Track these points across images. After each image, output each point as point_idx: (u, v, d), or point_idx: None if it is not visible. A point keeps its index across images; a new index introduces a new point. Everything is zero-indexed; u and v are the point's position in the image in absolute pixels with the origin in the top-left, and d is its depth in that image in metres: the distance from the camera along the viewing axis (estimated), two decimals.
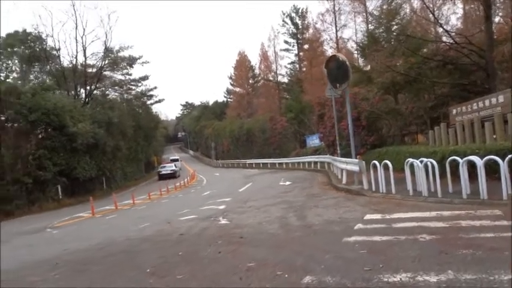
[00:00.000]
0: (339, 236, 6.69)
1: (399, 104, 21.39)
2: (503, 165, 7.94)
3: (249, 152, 51.08)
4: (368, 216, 8.29)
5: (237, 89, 74.72)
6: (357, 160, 13.70)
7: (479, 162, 8.33)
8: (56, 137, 26.63)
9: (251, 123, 53.30)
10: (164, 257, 6.71)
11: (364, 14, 32.35)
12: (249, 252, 6.41)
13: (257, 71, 67.56)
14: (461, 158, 9.07)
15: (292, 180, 21.48)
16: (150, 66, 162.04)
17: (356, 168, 13.48)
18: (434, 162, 9.81)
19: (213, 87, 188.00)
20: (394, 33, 22.81)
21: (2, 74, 34.91)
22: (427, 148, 14.59)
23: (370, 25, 30.79)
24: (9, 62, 37.79)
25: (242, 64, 70.79)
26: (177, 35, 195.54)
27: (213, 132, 69.38)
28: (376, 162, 11.95)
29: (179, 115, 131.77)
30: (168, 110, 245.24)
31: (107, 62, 40.25)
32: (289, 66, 59.78)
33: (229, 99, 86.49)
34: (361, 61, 32.21)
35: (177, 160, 55.85)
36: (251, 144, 51.39)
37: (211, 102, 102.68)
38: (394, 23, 23.97)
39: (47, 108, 25.49)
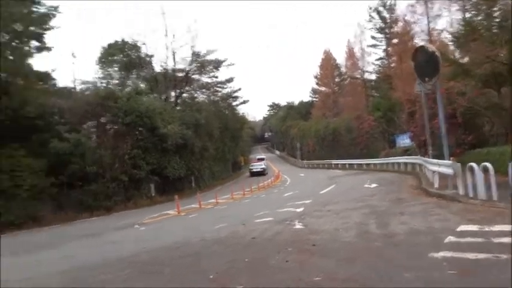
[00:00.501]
0: (424, 250, 5.87)
1: (502, 98, 18.89)
2: None
3: (335, 152, 49.69)
4: (462, 228, 7.23)
5: (323, 88, 73.46)
6: (450, 162, 12.28)
7: None
8: (148, 138, 28.38)
9: (337, 123, 51.86)
10: (231, 262, 6.50)
11: (460, 1, 29.31)
12: (318, 263, 5.91)
13: (343, 69, 65.58)
14: None
15: (378, 182, 20.20)
16: (235, 68, 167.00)
17: (449, 170, 12.08)
18: None
19: (298, 87, 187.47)
20: (496, 20, 20.21)
21: (103, 81, 38.28)
22: None
23: (467, 13, 27.79)
24: (110, 69, 41.35)
25: (327, 63, 69.43)
26: (262, 36, 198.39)
27: (299, 133, 68.97)
28: (473, 164, 10.50)
29: (266, 116, 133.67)
30: (255, 111, 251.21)
31: (194, 66, 42.08)
32: (376, 62, 56.78)
33: (314, 99, 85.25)
34: (457, 53, 29.30)
35: (262, 159, 57.62)
36: (337, 144, 49.98)
37: (296, 102, 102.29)
38: (495, 8, 21.26)
39: (140, 111, 27.28)
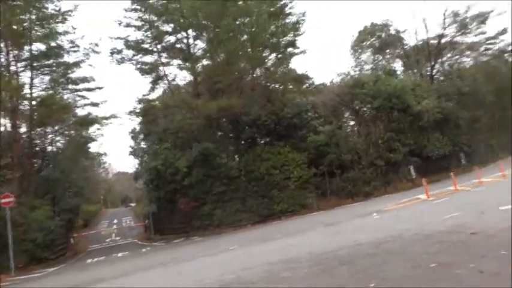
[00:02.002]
0: None
1: None
2: None
3: None
4: None
5: None
6: None
7: None
8: (401, 118, 27.05)
9: None
10: (413, 268, 5.48)
11: None
12: None
13: None
14: None
15: None
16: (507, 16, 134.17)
17: None
18: None
19: None
20: None
21: (356, 69, 39.03)
22: None
23: None
24: (363, 55, 41.75)
25: None
26: None
27: None
28: None
29: None
30: None
31: (454, 28, 36.91)
32: None
33: None
34: None
35: None
36: None
37: None
38: None
39: (387, 92, 26.29)
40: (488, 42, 40.12)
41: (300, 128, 26.62)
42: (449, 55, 39.69)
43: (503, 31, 39.58)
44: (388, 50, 42.04)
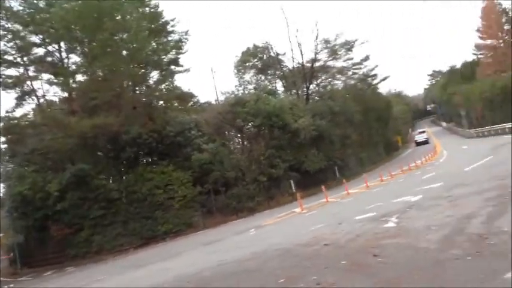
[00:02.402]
0: None
1: None
2: None
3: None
4: None
5: (488, 41, 62.39)
6: None
7: None
8: (280, 135, 28.49)
9: (506, 79, 43.05)
10: (265, 284, 5.60)
11: None
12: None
13: None
14: None
15: None
16: (376, 45, 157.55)
17: None
18: None
19: (456, 47, 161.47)
20: None
21: (240, 88, 40.30)
22: None
23: None
24: (246, 75, 43.35)
25: (491, 11, 58.63)
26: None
27: (461, 99, 60.17)
28: None
29: (427, 87, 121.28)
30: (413, 84, 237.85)
31: (326, 53, 40.54)
32: None
33: (480, 56, 72.99)
34: None
35: (424, 132, 61.96)
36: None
37: (459, 65, 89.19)
38: None
39: (267, 111, 27.55)
40: (354, 67, 45.12)
41: (184, 146, 26.28)
42: (323, 77, 43.43)
43: (366, 58, 44.95)
44: (269, 71, 44.38)
